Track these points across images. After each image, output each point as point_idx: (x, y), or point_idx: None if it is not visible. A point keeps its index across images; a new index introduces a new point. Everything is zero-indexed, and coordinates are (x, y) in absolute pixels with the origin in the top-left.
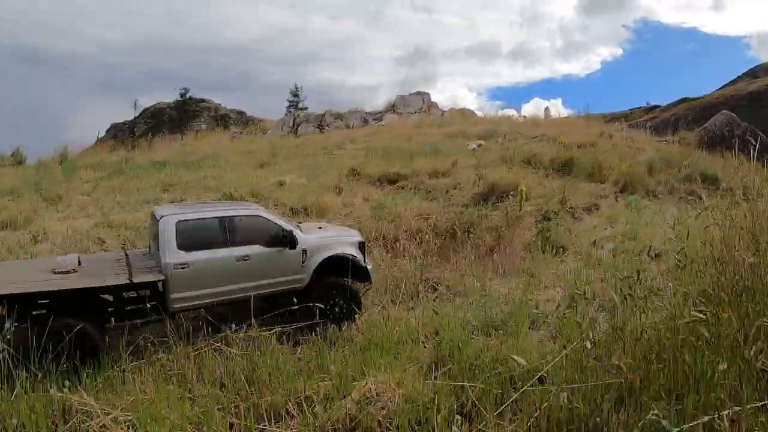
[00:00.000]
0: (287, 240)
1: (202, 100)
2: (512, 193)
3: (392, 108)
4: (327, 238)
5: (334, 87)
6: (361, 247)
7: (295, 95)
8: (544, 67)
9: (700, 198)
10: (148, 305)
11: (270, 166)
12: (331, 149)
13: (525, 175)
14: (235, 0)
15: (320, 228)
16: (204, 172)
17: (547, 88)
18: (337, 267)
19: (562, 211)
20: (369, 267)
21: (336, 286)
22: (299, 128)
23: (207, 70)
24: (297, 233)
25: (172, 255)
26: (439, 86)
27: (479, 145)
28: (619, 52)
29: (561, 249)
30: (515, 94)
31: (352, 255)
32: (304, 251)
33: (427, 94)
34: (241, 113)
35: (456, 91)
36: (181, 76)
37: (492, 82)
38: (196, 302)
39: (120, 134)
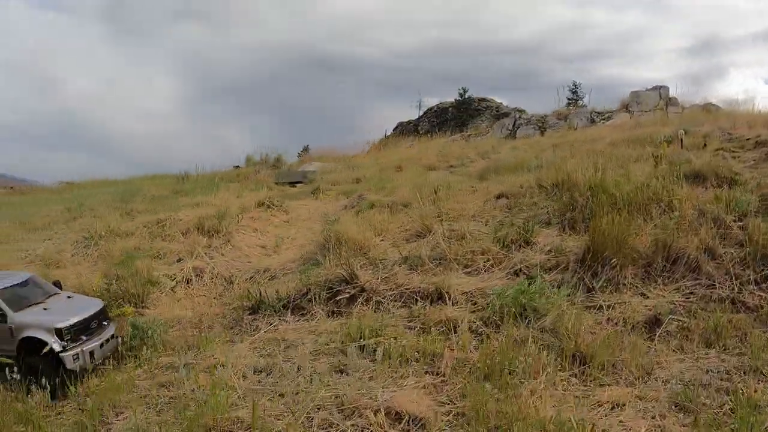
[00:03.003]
0: None
1: (484, 99)
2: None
3: (625, 106)
4: (30, 321)
5: (617, 83)
6: (67, 329)
7: (574, 92)
8: None
9: None
10: None
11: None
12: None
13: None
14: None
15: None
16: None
17: None
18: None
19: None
20: (70, 353)
21: (34, 361)
22: (518, 130)
23: (492, 69)
24: (10, 314)
25: None
26: (730, 78)
27: None
28: None
29: None
30: None
31: (42, 338)
32: (11, 328)
33: (666, 88)
34: (520, 111)
35: (749, 83)
36: (467, 76)
37: None
38: None
39: (405, 132)
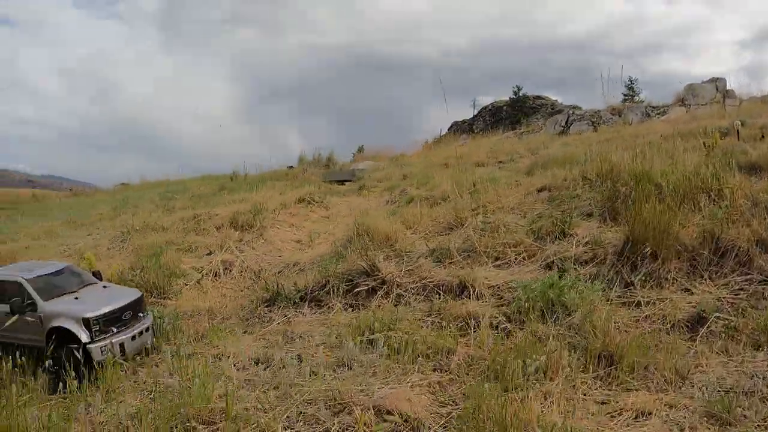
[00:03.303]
0: (25, 307)
1: (539, 97)
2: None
3: (680, 100)
4: (59, 311)
5: (674, 77)
6: (96, 319)
7: (630, 87)
8: None
9: None
10: None
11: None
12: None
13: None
14: None
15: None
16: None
17: None
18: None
19: None
20: (98, 345)
21: (63, 352)
22: (572, 126)
23: (546, 67)
24: (40, 303)
25: None
26: None
27: None
28: None
29: None
30: None
31: (70, 329)
32: (40, 318)
33: (722, 80)
34: (575, 108)
35: None
36: (522, 74)
37: None
38: None
39: (460, 131)
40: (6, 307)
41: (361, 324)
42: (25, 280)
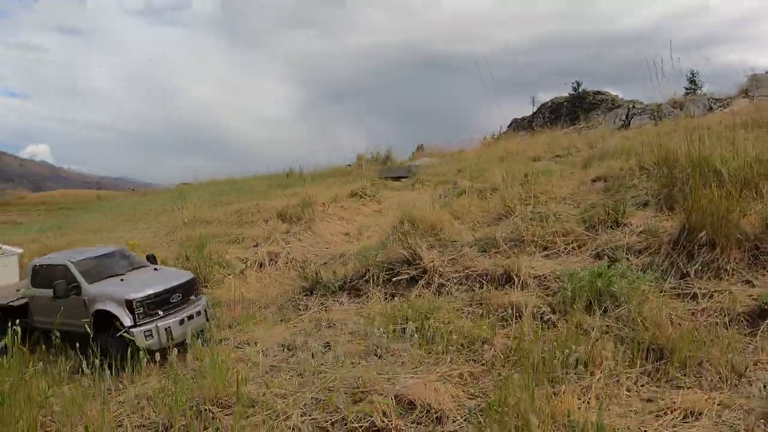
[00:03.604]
0: (69, 290)
1: (599, 92)
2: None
3: (744, 91)
4: (102, 293)
5: (740, 69)
6: (139, 302)
7: (692, 81)
8: None
9: None
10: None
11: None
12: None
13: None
14: None
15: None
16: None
17: None
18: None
19: None
20: (142, 329)
21: (106, 335)
22: (632, 120)
23: (607, 61)
24: (84, 286)
25: (28, 289)
26: None
27: None
28: None
29: None
30: None
31: (113, 311)
32: (85, 301)
33: None
34: (635, 102)
35: None
36: (581, 70)
37: None
38: (40, 326)
39: (519, 128)
40: (50, 292)
41: (396, 313)
42: (71, 263)
